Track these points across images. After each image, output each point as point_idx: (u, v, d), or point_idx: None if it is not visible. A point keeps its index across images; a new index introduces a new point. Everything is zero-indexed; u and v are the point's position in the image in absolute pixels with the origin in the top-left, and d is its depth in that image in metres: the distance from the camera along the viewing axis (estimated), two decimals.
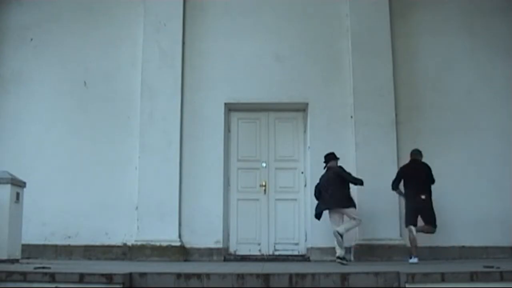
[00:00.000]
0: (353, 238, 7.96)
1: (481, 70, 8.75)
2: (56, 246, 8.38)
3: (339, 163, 7.46)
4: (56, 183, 8.50)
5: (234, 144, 8.94)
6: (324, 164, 7.46)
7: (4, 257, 6.23)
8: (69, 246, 8.38)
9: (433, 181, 7.30)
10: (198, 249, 8.30)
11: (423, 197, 7.16)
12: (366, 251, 7.99)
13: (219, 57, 8.80)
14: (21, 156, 8.53)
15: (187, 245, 8.33)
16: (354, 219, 7.11)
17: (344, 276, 4.64)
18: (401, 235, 8.05)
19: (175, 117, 8.55)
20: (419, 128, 8.54)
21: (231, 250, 8.66)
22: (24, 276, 4.50)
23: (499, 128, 8.54)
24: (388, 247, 8.01)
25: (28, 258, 7.45)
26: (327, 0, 8.93)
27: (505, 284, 4.51)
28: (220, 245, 8.33)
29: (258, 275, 4.63)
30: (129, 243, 8.31)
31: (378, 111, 8.42)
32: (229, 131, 8.94)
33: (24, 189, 6.80)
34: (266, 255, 8.57)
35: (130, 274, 4.63)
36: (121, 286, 4.45)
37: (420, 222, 7.24)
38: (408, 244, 7.41)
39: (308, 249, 8.47)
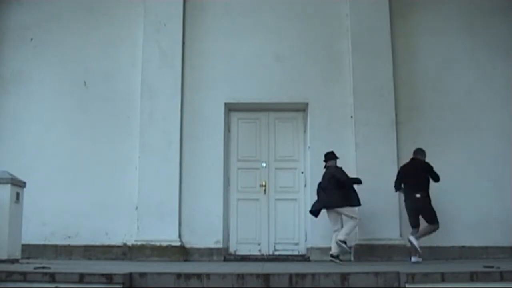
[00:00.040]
0: (353, 238, 7.94)
1: (481, 70, 8.75)
2: (56, 246, 8.38)
3: (339, 163, 7.46)
4: (56, 183, 8.50)
5: (234, 144, 8.94)
6: (324, 164, 7.47)
7: (4, 257, 6.23)
8: (69, 246, 8.38)
9: (436, 179, 7.24)
10: (198, 249, 8.30)
11: (418, 195, 7.14)
12: (366, 251, 7.99)
13: (219, 57, 8.80)
14: (21, 156, 8.53)
15: (187, 245, 8.33)
16: (351, 217, 7.11)
17: (344, 276, 4.63)
18: (401, 235, 8.05)
19: (175, 117, 8.55)
20: (419, 128, 8.54)
21: (231, 250, 8.66)
22: (24, 276, 4.49)
23: (499, 128, 8.54)
24: (388, 247, 8.01)
25: (28, 258, 7.45)
26: (327, 0, 8.93)
27: (505, 284, 4.51)
28: (220, 245, 8.33)
29: (258, 275, 4.63)
30: (129, 243, 8.31)
31: (378, 111, 8.42)
32: (229, 131, 8.94)
33: (24, 189, 6.80)
34: (266, 255, 8.57)
35: (130, 274, 4.62)
36: (121, 286, 4.45)
37: (423, 222, 7.23)
38: (408, 244, 7.41)
39: (308, 249, 8.47)
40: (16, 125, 8.77)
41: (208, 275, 4.62)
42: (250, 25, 8.88)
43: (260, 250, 8.65)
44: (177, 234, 8.28)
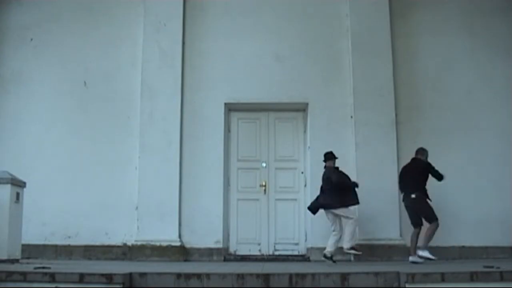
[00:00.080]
0: (353, 238, 7.94)
1: (481, 70, 8.75)
2: (56, 246, 8.38)
3: (339, 163, 7.46)
4: (56, 183, 8.50)
5: (234, 144, 8.94)
6: (324, 164, 7.48)
7: (4, 257, 6.23)
8: (69, 246, 8.38)
9: (439, 178, 7.18)
10: (198, 249, 8.30)
11: (413, 196, 7.12)
12: (366, 251, 7.96)
13: (219, 57, 8.80)
14: (21, 156, 8.53)
15: (187, 245, 8.33)
16: (348, 218, 7.13)
17: (344, 276, 4.63)
18: (401, 235, 8.06)
19: (175, 117, 8.55)
20: (419, 128, 8.54)
21: (231, 250, 8.66)
22: (24, 276, 4.49)
23: (499, 128, 8.54)
24: (388, 247, 8.01)
25: (28, 258, 7.45)
26: (327, 0, 8.93)
27: (505, 284, 4.51)
28: (220, 245, 8.33)
29: (258, 275, 4.63)
30: (129, 243, 8.31)
31: (378, 111, 8.42)
32: (229, 131, 8.94)
33: (24, 189, 6.80)
34: (266, 255, 8.57)
35: (130, 274, 4.62)
36: (121, 286, 4.45)
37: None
38: (408, 244, 7.41)
39: (308, 249, 8.47)
40: (16, 125, 8.77)
41: (208, 275, 4.62)
42: (250, 25, 8.88)
43: (260, 250, 8.65)
44: (177, 234, 8.28)
